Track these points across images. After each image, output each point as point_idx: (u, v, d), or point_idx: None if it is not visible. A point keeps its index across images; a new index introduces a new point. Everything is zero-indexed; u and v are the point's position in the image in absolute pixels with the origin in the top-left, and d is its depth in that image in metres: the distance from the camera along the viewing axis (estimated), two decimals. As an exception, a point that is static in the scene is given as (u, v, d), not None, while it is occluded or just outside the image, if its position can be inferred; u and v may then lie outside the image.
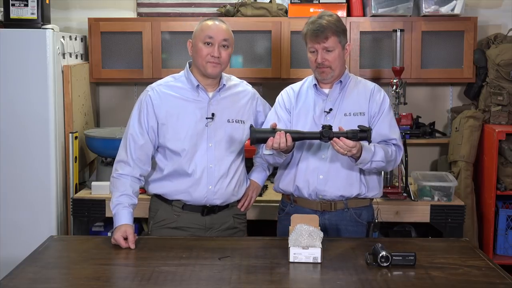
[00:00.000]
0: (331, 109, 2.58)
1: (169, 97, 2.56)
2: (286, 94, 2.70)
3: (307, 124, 2.59)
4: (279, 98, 2.72)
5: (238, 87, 2.69)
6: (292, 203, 2.66)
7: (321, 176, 2.56)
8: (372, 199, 2.68)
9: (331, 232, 2.60)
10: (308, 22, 2.58)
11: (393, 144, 2.60)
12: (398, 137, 2.62)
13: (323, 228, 2.57)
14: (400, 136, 2.65)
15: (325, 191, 2.57)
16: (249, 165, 2.84)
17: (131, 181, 2.53)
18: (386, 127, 2.59)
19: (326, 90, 2.63)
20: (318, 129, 2.50)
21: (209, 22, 2.54)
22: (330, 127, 2.37)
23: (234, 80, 2.72)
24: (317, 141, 2.54)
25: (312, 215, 2.35)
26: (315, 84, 2.63)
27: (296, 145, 2.54)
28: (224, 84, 2.60)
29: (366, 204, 2.65)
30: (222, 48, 2.51)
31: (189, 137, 2.53)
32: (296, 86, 2.72)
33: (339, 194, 2.57)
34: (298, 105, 2.65)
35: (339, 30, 2.54)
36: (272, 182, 3.75)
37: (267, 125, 2.61)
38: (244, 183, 2.71)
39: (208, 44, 2.50)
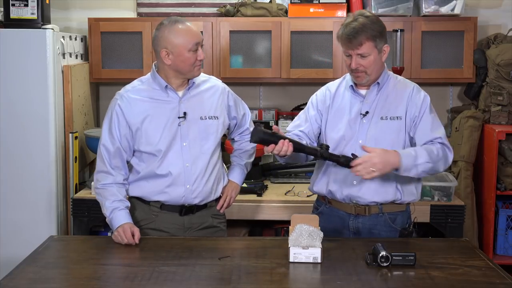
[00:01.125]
0: (367, 112, 2.50)
1: (138, 102, 2.53)
2: (321, 95, 2.62)
3: (342, 128, 2.52)
4: (313, 97, 2.64)
5: (207, 83, 2.64)
6: (327, 204, 2.60)
7: (355, 182, 2.49)
8: (409, 203, 2.59)
9: (364, 236, 2.54)
10: (343, 24, 2.43)
11: (439, 143, 2.46)
12: (443, 135, 2.47)
13: (356, 232, 2.55)
14: (445, 134, 2.52)
15: (359, 197, 2.50)
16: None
17: (117, 188, 2.52)
18: (428, 128, 2.47)
19: (363, 92, 2.53)
20: (353, 132, 2.48)
21: (185, 26, 2.46)
22: (327, 147, 2.37)
23: (203, 76, 2.65)
24: (349, 145, 2.49)
25: (312, 215, 2.33)
26: (352, 86, 2.55)
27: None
28: (193, 82, 2.56)
29: (402, 209, 2.56)
30: (201, 48, 2.50)
31: (163, 139, 2.50)
32: (332, 86, 2.63)
33: (373, 200, 2.50)
34: (334, 106, 2.57)
35: (375, 33, 2.39)
36: (273, 182, 3.77)
37: (301, 122, 2.59)
38: (222, 181, 2.66)
39: (196, 50, 2.47)
